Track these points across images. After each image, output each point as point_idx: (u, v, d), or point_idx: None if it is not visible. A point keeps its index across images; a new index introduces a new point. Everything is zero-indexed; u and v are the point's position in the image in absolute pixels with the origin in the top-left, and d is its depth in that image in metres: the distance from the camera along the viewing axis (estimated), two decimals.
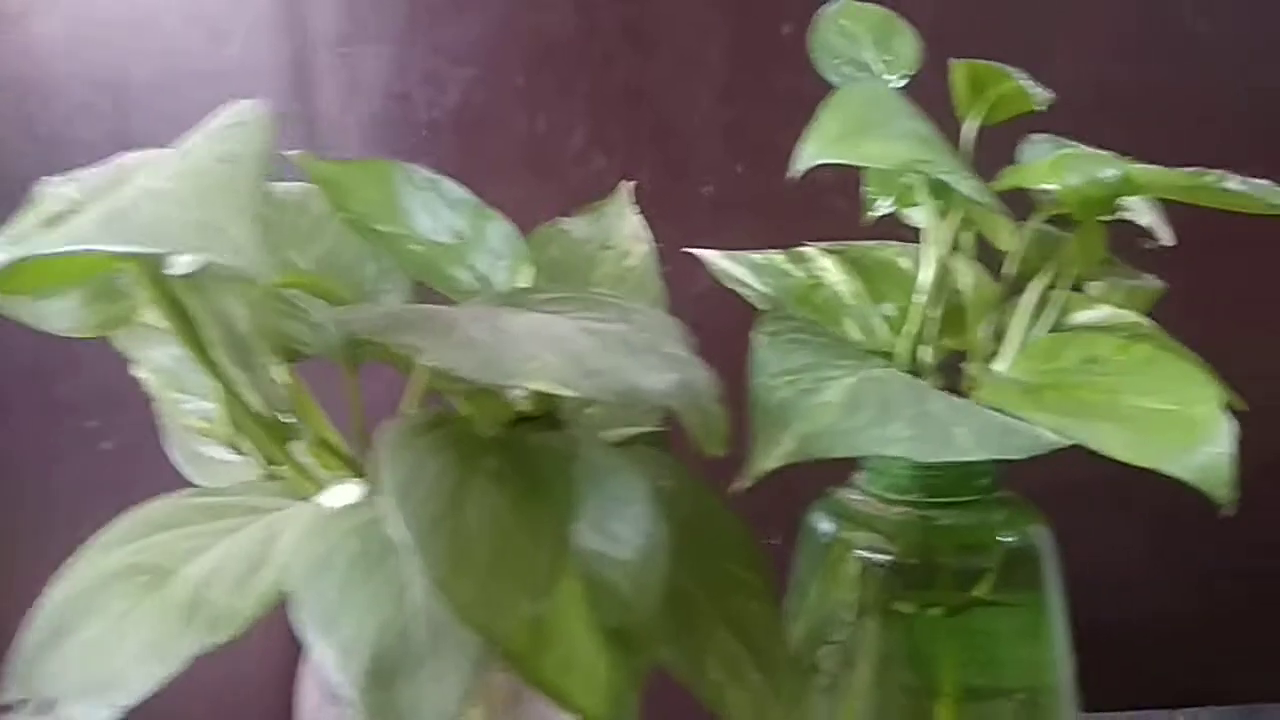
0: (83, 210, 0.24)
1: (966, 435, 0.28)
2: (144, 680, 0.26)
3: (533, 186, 0.58)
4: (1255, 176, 0.34)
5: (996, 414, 0.30)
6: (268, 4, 0.56)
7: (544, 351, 0.23)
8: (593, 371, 0.23)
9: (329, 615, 0.25)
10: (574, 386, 0.23)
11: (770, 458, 0.27)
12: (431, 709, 0.24)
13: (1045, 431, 0.29)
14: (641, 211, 0.39)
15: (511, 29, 0.56)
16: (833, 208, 0.54)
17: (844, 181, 0.41)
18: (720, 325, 0.36)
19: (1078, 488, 0.57)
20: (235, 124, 0.23)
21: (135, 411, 0.37)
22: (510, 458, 0.27)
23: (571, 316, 0.25)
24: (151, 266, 0.28)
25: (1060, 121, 0.39)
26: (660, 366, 0.24)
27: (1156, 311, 0.38)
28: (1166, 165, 0.33)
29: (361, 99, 0.57)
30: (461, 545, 0.24)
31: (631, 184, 0.40)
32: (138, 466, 0.36)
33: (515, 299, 0.28)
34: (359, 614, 0.25)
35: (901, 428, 0.28)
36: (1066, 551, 0.40)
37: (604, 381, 0.23)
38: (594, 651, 0.25)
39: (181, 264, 0.28)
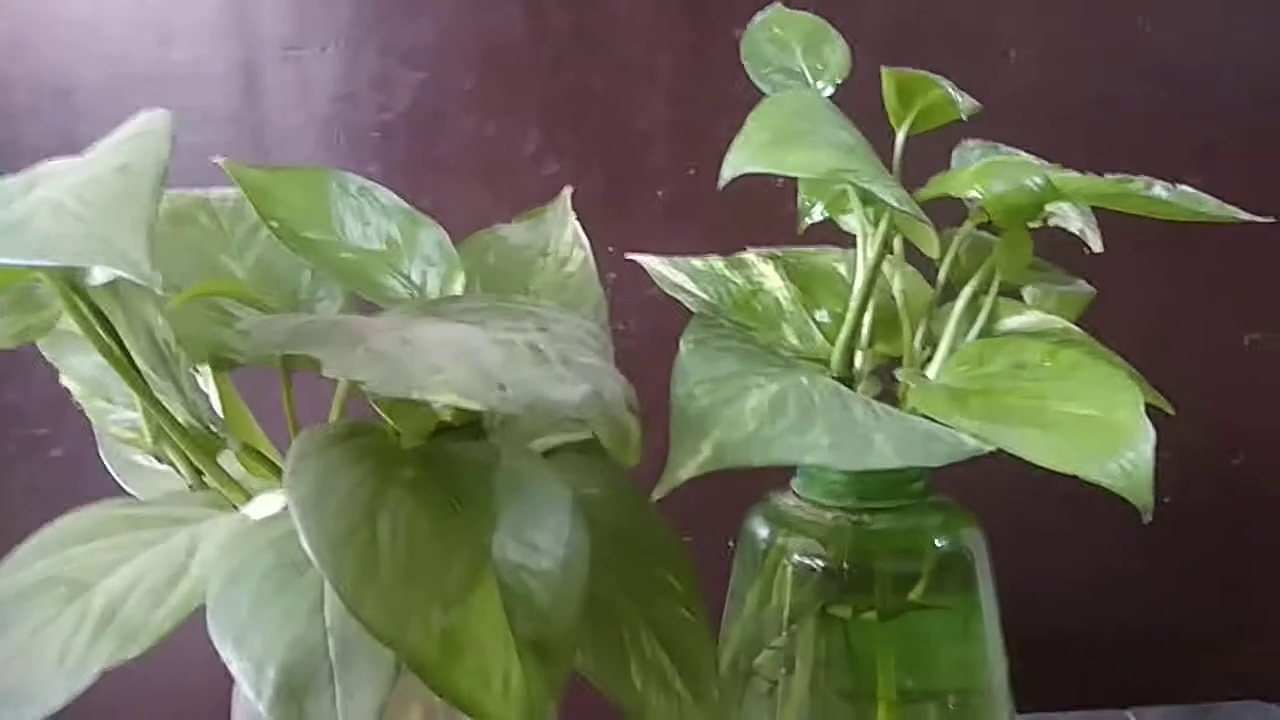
0: None
1: (886, 442, 0.28)
2: (56, 693, 0.26)
3: (485, 191, 0.58)
4: (1205, 179, 0.34)
5: (920, 420, 0.30)
6: (216, 7, 0.56)
7: (451, 364, 0.23)
8: (500, 384, 0.23)
9: (240, 629, 0.25)
10: (480, 399, 0.23)
11: (687, 467, 0.27)
12: None
13: (967, 438, 0.29)
14: (595, 216, 0.39)
15: (461, 32, 0.56)
16: (787, 211, 0.54)
17: (795, 184, 0.41)
18: (670, 330, 0.36)
19: (1025, 491, 0.57)
20: (137, 134, 0.23)
21: (84, 419, 0.37)
22: (429, 468, 0.27)
23: (486, 327, 0.25)
24: (66, 276, 0.27)
25: (1016, 126, 0.39)
26: (571, 378, 0.24)
27: (1100, 316, 0.39)
28: (1121, 168, 0.33)
29: (311, 102, 0.57)
30: (371, 558, 0.24)
31: (570, 190, 0.40)
32: (87, 474, 0.36)
33: (434, 308, 0.28)
34: (270, 628, 0.25)
35: (820, 435, 0.28)
36: (1019, 554, 0.41)
37: (511, 394, 0.23)
38: (509, 662, 0.25)
39: (99, 273, 0.28)
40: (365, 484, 0.25)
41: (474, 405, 0.22)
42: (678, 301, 0.40)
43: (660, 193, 0.58)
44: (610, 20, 0.56)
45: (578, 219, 0.39)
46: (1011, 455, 0.30)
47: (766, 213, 0.54)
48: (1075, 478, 0.29)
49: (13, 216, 0.21)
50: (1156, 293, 0.59)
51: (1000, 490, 0.43)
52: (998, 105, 0.39)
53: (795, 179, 0.41)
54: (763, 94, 0.36)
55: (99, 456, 0.37)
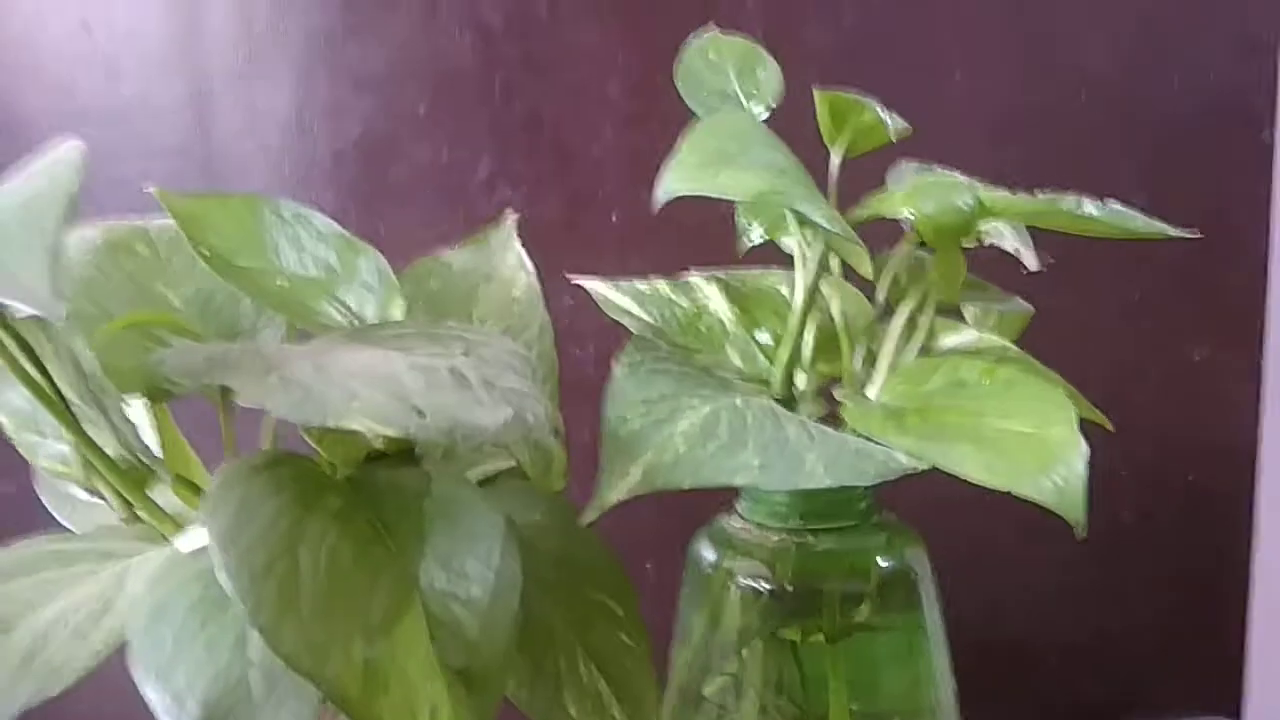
0: None
1: (817, 462, 0.28)
2: None
3: (439, 218, 0.58)
4: (1140, 197, 0.35)
5: (854, 439, 0.30)
6: (164, 39, 0.56)
7: (366, 390, 0.23)
8: (417, 409, 0.23)
9: (163, 664, 0.24)
10: (396, 425, 0.22)
11: (616, 489, 0.27)
12: None
13: (901, 455, 0.29)
14: (550, 242, 0.39)
15: (412, 60, 0.56)
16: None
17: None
18: None
19: (980, 508, 0.58)
20: (47, 164, 0.22)
21: None
22: (357, 496, 0.27)
23: (408, 352, 0.25)
24: None
25: (963, 146, 0.39)
26: (492, 402, 0.24)
27: (1048, 335, 0.39)
28: (1068, 188, 0.34)
29: (262, 131, 0.57)
30: (290, 589, 0.23)
31: (513, 214, 0.40)
32: (39, 510, 0.36)
33: (361, 335, 0.28)
34: (192, 663, 0.24)
35: (750, 456, 0.28)
36: (977, 572, 0.41)
37: (430, 420, 0.23)
38: (436, 694, 0.24)
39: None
40: (286, 514, 0.25)
41: (390, 432, 0.22)
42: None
43: (614, 217, 0.59)
44: (559, 47, 0.57)
45: (532, 245, 0.39)
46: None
47: (722, 235, 0.54)
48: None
49: None
50: (1105, 309, 0.59)
51: (955, 507, 0.43)
52: (944, 126, 0.40)
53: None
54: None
55: None
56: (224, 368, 0.23)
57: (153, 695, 0.24)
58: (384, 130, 0.57)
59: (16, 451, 0.59)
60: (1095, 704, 0.62)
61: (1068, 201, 0.33)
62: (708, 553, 0.38)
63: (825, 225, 0.29)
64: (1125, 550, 0.61)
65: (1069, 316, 0.41)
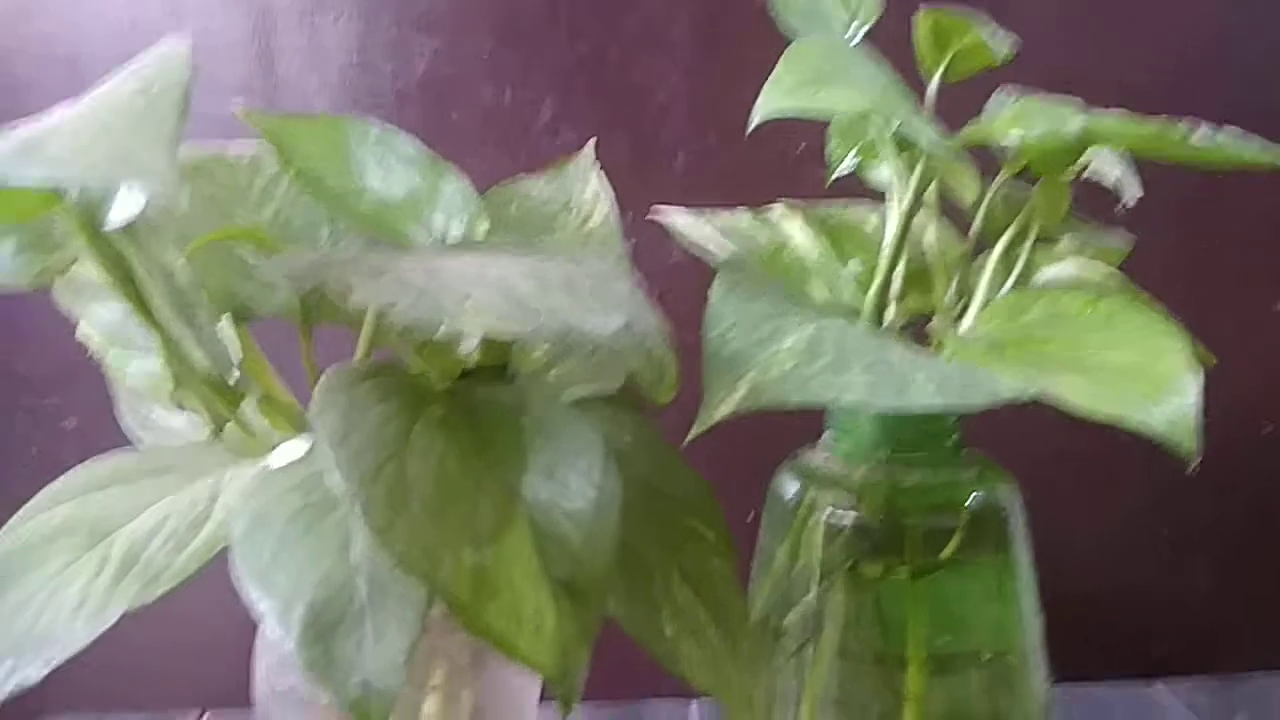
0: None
1: (926, 382, 0.27)
2: (76, 637, 0.25)
3: (501, 159, 0.57)
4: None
5: (957, 365, 0.29)
6: None
7: (481, 291, 0.22)
8: (532, 311, 0.22)
9: (265, 570, 0.24)
10: (511, 325, 0.22)
11: (725, 404, 0.26)
12: (374, 663, 0.24)
13: (1007, 381, 0.29)
14: (614, 183, 0.39)
15: (476, 0, 0.55)
16: (806, 175, 0.53)
17: (816, 149, 0.41)
18: (689, 296, 0.36)
19: (1054, 458, 0.57)
20: (155, 60, 0.22)
21: (96, 388, 0.36)
22: (457, 408, 0.27)
23: (515, 259, 0.25)
24: (85, 212, 0.27)
25: (1032, 81, 0.38)
26: (604, 309, 0.23)
27: (1139, 270, 0.38)
28: None
29: (326, 70, 0.56)
30: (401, 492, 0.23)
31: (593, 141, 0.39)
32: (100, 443, 0.35)
33: (458, 249, 0.27)
34: (296, 568, 0.24)
35: (858, 374, 0.27)
36: (1044, 522, 0.40)
37: (544, 321, 0.22)
38: (542, 602, 0.24)
39: (118, 213, 0.27)
40: (393, 420, 0.24)
41: (506, 332, 0.22)
42: (696, 269, 0.39)
43: (676, 162, 0.58)
44: None
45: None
46: (1042, 415, 0.29)
47: (788, 178, 0.53)
48: (1105, 440, 0.29)
49: (33, 135, 0.20)
50: (1185, 258, 0.58)
51: (1026, 454, 0.42)
52: (1022, 74, 0.38)
53: (820, 142, 0.40)
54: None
55: (111, 427, 0.36)
56: (337, 268, 0.22)
57: (260, 599, 0.24)
58: (448, 70, 0.56)
59: (76, 388, 0.59)
60: (1166, 657, 0.61)
61: (1179, 129, 0.32)
62: (791, 485, 0.37)
63: (930, 144, 0.28)
64: (1198, 502, 0.60)
65: (1147, 264, 0.40)
